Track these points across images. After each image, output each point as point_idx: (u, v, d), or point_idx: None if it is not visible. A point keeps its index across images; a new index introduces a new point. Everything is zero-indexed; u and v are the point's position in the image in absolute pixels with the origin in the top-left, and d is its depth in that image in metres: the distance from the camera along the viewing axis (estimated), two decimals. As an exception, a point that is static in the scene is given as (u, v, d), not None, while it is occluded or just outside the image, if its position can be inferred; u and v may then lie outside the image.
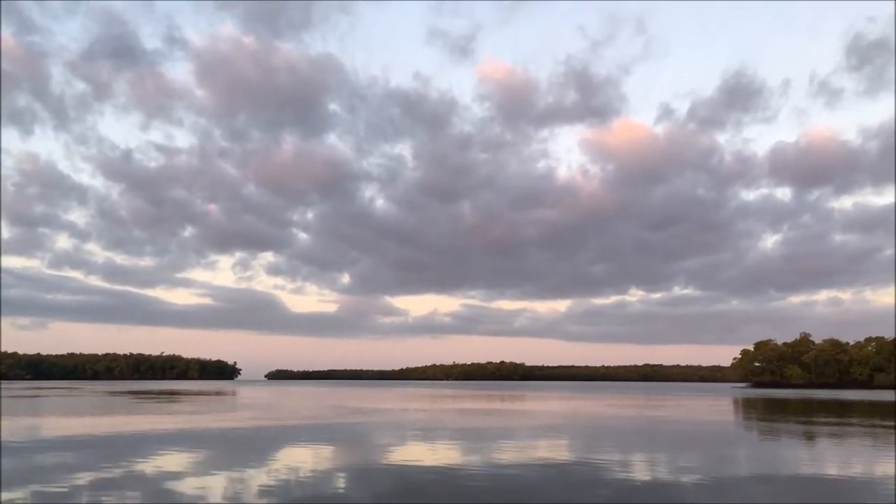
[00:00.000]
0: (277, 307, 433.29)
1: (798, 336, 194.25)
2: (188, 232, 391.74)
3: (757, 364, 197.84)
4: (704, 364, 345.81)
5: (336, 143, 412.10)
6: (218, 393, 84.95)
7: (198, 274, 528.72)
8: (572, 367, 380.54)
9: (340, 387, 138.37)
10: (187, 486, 13.20)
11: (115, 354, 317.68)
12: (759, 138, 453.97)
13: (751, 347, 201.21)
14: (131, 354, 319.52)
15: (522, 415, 40.17)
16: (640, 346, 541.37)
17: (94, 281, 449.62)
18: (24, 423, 29.65)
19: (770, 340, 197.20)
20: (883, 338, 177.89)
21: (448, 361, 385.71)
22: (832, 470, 16.29)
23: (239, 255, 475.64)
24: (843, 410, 48.21)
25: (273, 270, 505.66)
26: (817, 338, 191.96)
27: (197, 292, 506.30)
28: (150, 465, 15.93)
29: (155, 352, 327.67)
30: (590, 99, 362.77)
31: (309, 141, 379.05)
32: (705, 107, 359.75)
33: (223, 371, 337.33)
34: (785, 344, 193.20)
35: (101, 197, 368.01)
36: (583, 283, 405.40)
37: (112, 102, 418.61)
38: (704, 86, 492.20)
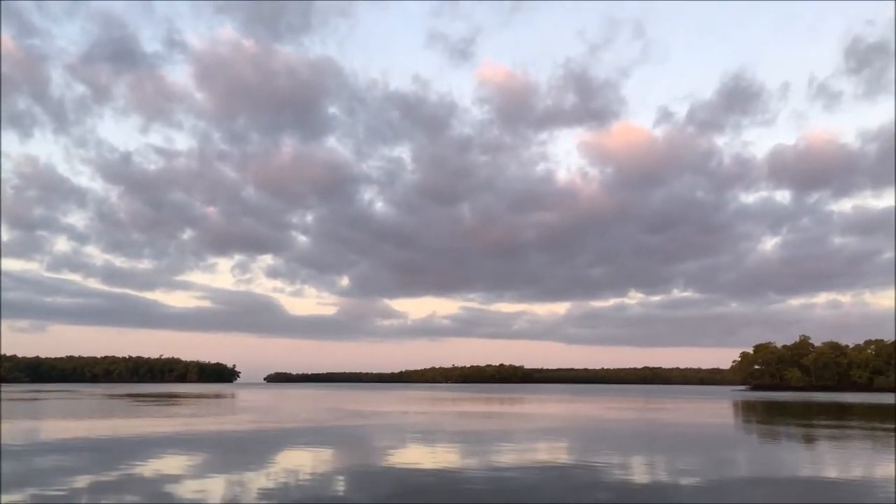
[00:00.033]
0: (276, 310, 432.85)
1: (797, 339, 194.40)
2: (187, 234, 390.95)
3: (756, 367, 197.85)
4: (704, 367, 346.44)
5: (335, 145, 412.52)
6: (217, 396, 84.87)
7: (197, 276, 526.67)
8: (572, 369, 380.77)
9: (339, 389, 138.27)
10: (186, 490, 13.18)
11: (113, 357, 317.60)
12: (758, 141, 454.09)
13: (750, 350, 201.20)
14: (130, 357, 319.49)
15: (522, 418, 40.15)
16: (640, 348, 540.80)
17: (93, 284, 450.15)
18: (24, 427, 29.60)
19: (769, 343, 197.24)
20: (882, 340, 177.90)
21: (447, 364, 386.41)
22: (832, 473, 16.29)
23: (238, 257, 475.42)
24: (842, 413, 48.22)
25: (272, 273, 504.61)
26: (817, 340, 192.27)
27: (196, 295, 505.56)
28: (149, 469, 15.91)
29: (154, 354, 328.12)
30: (589, 102, 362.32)
31: (308, 144, 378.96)
32: (704, 110, 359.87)
33: (222, 374, 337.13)
34: (784, 347, 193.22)
35: (101, 200, 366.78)
36: (582, 285, 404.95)
37: (111, 105, 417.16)
38: (703, 89, 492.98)
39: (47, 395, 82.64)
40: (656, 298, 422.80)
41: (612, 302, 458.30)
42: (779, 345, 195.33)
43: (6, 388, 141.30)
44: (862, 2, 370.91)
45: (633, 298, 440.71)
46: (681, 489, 13.47)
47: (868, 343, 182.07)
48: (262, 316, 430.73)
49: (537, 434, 27.38)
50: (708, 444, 23.99)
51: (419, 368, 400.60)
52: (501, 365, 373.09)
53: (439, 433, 27.27)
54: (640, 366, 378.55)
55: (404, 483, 14.09)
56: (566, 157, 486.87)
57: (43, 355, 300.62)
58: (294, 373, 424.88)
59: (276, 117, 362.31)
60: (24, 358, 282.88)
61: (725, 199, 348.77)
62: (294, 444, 22.76)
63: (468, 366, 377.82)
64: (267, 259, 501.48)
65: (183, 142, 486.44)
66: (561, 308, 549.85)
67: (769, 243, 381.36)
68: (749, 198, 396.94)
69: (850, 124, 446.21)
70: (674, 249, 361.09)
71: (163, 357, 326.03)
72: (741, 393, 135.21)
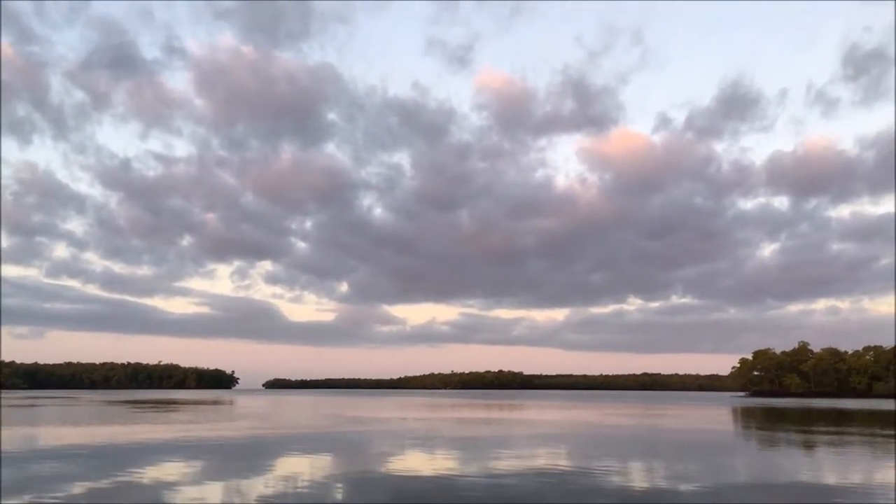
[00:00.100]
0: (275, 316, 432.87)
1: (796, 345, 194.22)
2: (186, 241, 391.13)
3: (756, 373, 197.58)
4: (703, 373, 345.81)
5: (334, 152, 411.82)
6: (216, 402, 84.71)
7: (196, 283, 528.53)
8: (571, 375, 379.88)
9: (338, 396, 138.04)
10: (185, 496, 13.18)
11: (112, 363, 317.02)
12: (757, 147, 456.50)
13: (749, 356, 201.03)
14: (129, 363, 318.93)
15: (521, 424, 40.09)
16: (639, 354, 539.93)
17: (92, 290, 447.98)
18: (22, 433, 29.55)
19: (769, 349, 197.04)
20: (881, 347, 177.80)
21: (446, 370, 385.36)
22: (832, 479, 16.29)
23: (237, 263, 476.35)
24: (841, 419, 48.18)
25: (271, 279, 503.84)
26: (815, 346, 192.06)
27: (195, 301, 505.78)
28: (147, 475, 15.89)
29: (153, 361, 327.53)
30: (587, 108, 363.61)
31: (307, 150, 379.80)
32: (702, 116, 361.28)
33: (221, 380, 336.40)
34: (783, 353, 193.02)
35: (100, 206, 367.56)
36: (581, 291, 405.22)
37: (111, 112, 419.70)
38: (701, 95, 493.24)
39: (46, 401, 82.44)
40: (655, 304, 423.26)
41: (610, 308, 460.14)
42: (778, 351, 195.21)
43: (5, 394, 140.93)
44: (860, 9, 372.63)
45: (632, 304, 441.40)
46: (680, 495, 13.47)
47: (867, 349, 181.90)
48: (260, 322, 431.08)
49: (536, 440, 27.35)
50: (707, 450, 23.97)
51: (418, 375, 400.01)
52: (500, 371, 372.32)
53: (438, 439, 27.24)
54: (639, 372, 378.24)
55: (403, 489, 14.08)
56: (565, 163, 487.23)
57: (41, 361, 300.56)
58: (293, 379, 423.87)
59: (276, 123, 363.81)
60: (22, 364, 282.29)
61: (724, 205, 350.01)
62: (293, 450, 22.73)
63: (467, 372, 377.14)
64: (266, 265, 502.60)
65: (182, 148, 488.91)
66: (560, 314, 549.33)
67: (768, 249, 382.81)
68: (747, 204, 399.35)
69: (848, 131, 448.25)
70: (672, 255, 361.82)
71: (161, 363, 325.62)
72: (740, 399, 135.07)
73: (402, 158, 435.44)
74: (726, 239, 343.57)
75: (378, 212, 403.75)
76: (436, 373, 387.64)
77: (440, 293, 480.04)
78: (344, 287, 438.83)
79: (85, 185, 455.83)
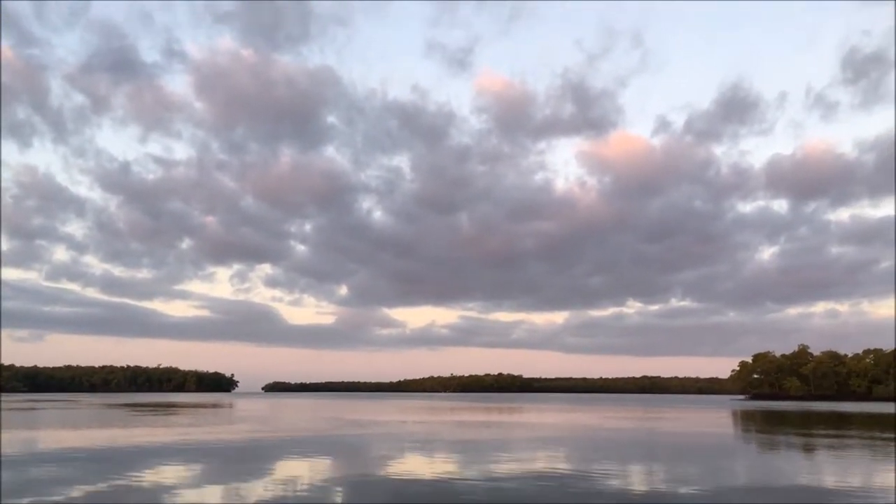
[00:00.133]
0: (275, 319, 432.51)
1: (796, 348, 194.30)
2: (186, 244, 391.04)
3: (755, 376, 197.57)
4: (702, 376, 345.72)
5: (334, 155, 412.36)
6: (215, 405, 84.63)
7: (195, 286, 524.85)
8: (570, 378, 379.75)
9: (338, 399, 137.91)
10: (184, 499, 13.19)
11: (112, 367, 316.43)
12: (756, 150, 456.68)
13: (749, 359, 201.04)
14: (128, 367, 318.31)
15: (521, 427, 40.08)
16: (638, 357, 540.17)
17: (92, 293, 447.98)
18: (22, 436, 29.53)
19: (768, 352, 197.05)
20: (881, 350, 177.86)
21: (446, 373, 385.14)
22: (831, 482, 16.30)
23: (236, 267, 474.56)
24: (841, 423, 48.17)
25: (271, 282, 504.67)
26: (815, 350, 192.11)
27: (194, 304, 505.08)
28: (146, 479, 15.89)
29: (152, 364, 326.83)
30: (587, 111, 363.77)
31: (307, 153, 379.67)
32: (702, 119, 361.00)
33: (220, 383, 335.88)
34: (783, 356, 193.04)
35: (99, 209, 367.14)
36: (580, 294, 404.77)
37: (110, 115, 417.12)
38: (701, 98, 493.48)
39: (45, 404, 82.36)
40: (654, 307, 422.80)
41: (610, 311, 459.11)
42: (777, 354, 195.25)
43: (4, 397, 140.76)
44: (859, 12, 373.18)
45: (632, 307, 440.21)
46: (680, 498, 13.47)
47: (867, 352, 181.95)
48: (260, 325, 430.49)
49: (536, 443, 27.35)
50: (707, 453, 23.97)
51: (418, 378, 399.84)
52: (500, 374, 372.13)
53: (438, 442, 27.23)
54: (638, 375, 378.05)
55: (402, 492, 14.09)
56: (564, 166, 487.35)
57: (41, 364, 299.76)
58: (292, 382, 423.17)
59: (275, 127, 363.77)
60: (21, 367, 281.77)
61: (723, 208, 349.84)
62: (292, 453, 22.73)
63: (467, 375, 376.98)
64: (266, 268, 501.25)
65: (182, 151, 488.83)
66: (559, 317, 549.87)
67: (767, 252, 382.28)
68: (747, 207, 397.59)
69: (848, 134, 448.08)
70: (672, 258, 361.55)
71: (161, 366, 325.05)
72: (740, 402, 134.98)
73: (401, 161, 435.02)
74: (725, 242, 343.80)
75: (378, 215, 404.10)
76: (435, 376, 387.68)
77: (440, 296, 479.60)
78: (343, 290, 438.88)
79: (85, 188, 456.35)
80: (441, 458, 21.11)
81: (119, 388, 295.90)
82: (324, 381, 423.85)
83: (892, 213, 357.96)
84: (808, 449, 25.50)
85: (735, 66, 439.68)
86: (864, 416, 59.21)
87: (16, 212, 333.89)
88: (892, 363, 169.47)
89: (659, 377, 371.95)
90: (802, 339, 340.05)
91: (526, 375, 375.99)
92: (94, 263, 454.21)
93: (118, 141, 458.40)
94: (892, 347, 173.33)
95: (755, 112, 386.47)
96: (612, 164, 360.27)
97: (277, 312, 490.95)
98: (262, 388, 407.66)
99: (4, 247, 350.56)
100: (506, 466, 18.76)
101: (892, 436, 32.94)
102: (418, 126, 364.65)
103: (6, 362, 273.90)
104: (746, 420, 52.67)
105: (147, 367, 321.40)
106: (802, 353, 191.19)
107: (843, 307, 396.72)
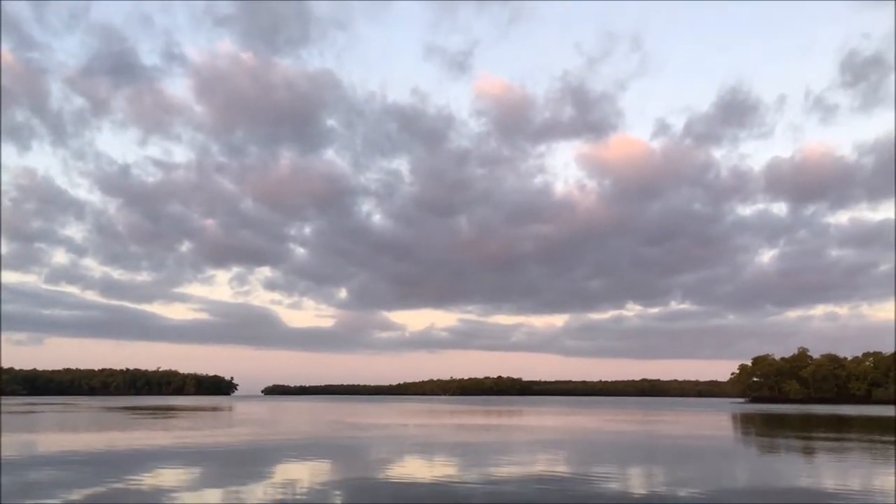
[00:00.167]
0: (274, 322, 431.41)
1: (796, 351, 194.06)
2: (185, 247, 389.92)
3: (755, 379, 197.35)
4: (702, 379, 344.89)
5: (333, 158, 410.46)
6: (215, 408, 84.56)
7: (195, 289, 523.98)
8: (570, 381, 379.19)
9: (338, 402, 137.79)
10: (183, 502, 13.18)
11: (111, 370, 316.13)
12: (755, 154, 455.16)
13: (748, 362, 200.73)
14: (128, 370, 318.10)
15: (520, 430, 40.06)
16: (638, 360, 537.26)
17: (91, 296, 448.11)
18: (22, 439, 29.51)
19: (768, 355, 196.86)
20: (881, 353, 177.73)
21: (445, 376, 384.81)
22: (831, 484, 16.30)
23: (236, 269, 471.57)
24: (841, 426, 48.17)
25: (270, 285, 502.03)
26: (815, 353, 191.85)
27: (194, 307, 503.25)
28: (146, 481, 15.89)
29: (151, 367, 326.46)
30: (586, 114, 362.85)
31: (306, 156, 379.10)
32: (701, 122, 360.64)
33: (220, 386, 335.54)
34: (783, 359, 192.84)
35: (99, 212, 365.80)
36: (580, 297, 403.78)
37: (110, 118, 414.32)
38: (700, 101, 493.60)
39: (45, 407, 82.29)
40: (654, 310, 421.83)
41: (609, 314, 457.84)
42: (777, 357, 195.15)
43: (4, 400, 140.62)
44: (858, 15, 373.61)
45: (631, 311, 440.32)
46: (679, 500, 13.48)
47: (866, 355, 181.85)
48: (260, 328, 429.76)
49: (535, 446, 27.34)
50: (706, 456, 23.98)
51: (417, 381, 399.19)
52: (499, 377, 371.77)
53: (437, 445, 27.22)
54: (638, 378, 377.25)
55: (402, 495, 14.09)
56: (564, 169, 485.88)
57: (40, 368, 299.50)
58: (292, 385, 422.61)
59: (275, 130, 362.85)
60: (21, 370, 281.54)
61: (723, 211, 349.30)
62: (292, 456, 22.72)
63: (466, 378, 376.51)
64: (265, 271, 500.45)
65: (181, 154, 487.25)
66: (559, 320, 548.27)
67: (766, 255, 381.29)
68: (746, 210, 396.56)
69: (847, 137, 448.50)
70: (671, 262, 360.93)
71: (160, 370, 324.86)
72: (740, 405, 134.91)
73: (401, 164, 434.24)
74: (725, 245, 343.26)
75: (377, 218, 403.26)
76: (435, 379, 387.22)
77: (439, 299, 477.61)
78: (343, 293, 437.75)
79: (84, 191, 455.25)
80: (441, 461, 21.11)
81: (118, 392, 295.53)
82: (323, 384, 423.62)
83: (892, 215, 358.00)
84: (808, 452, 25.50)
85: (734, 69, 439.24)
86: (864, 420, 59.20)
87: (15, 215, 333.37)
88: (892, 366, 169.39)
89: (658, 380, 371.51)
90: (802, 342, 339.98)
91: (525, 378, 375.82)
92: (93, 266, 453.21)
93: (118, 144, 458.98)
94: (892, 350, 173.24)
95: (754, 115, 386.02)
96: (612, 167, 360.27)
97: (277, 315, 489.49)
98: (262, 392, 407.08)
99: (4, 250, 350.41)
100: (505, 469, 18.76)
101: (892, 439, 32.94)
102: (418, 129, 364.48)
103: (5, 365, 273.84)
104: (746, 423, 52.66)
105: (146, 371, 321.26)
106: (802, 356, 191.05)
107: (842, 310, 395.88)
